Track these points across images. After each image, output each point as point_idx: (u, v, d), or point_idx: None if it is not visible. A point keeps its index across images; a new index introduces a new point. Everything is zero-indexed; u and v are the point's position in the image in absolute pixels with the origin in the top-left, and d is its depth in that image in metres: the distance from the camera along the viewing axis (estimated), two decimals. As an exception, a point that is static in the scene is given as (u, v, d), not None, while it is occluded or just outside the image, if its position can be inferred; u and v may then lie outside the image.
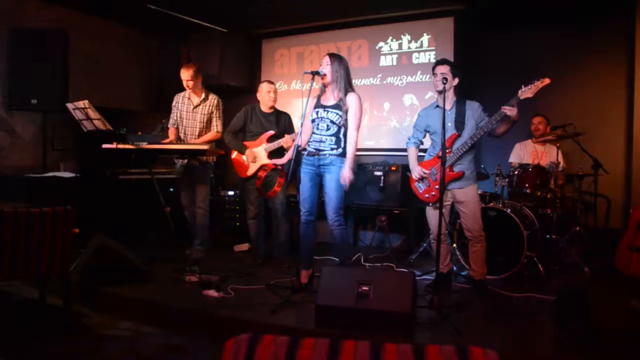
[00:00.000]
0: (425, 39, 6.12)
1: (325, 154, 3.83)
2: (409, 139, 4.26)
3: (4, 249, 3.20)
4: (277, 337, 1.27)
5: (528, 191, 4.75)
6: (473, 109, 3.93)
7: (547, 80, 3.66)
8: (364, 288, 3.11)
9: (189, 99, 4.97)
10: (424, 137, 4.21)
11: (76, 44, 5.65)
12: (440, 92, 3.87)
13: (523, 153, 5.29)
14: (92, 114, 4.60)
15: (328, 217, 3.83)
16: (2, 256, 3.21)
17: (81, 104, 4.63)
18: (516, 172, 4.78)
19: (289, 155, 4.49)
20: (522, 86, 3.72)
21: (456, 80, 3.96)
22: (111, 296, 4.01)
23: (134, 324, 3.73)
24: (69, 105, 4.78)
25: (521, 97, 3.71)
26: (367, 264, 4.98)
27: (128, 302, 3.91)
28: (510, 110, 3.68)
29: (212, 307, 3.62)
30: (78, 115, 4.73)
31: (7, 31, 5.35)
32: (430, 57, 6.06)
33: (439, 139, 3.87)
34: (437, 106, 4.02)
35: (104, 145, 4.39)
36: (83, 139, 5.27)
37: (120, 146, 4.34)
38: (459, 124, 3.91)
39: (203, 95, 4.97)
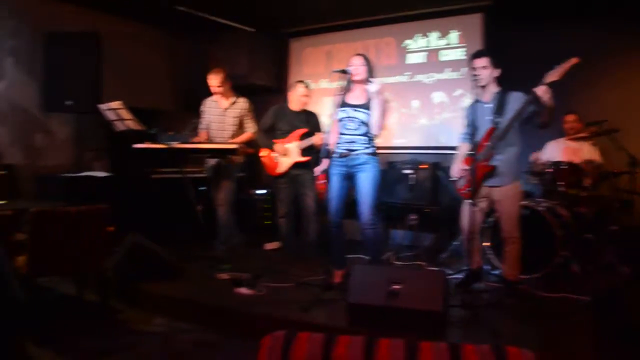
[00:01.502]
0: (454, 35, 6.06)
1: (358, 154, 3.83)
2: (461, 135, 4.19)
3: (44, 246, 3.29)
4: (313, 334, 1.28)
5: (562, 189, 4.66)
6: (517, 100, 3.71)
7: (574, 60, 3.43)
8: (395, 286, 3.10)
9: (217, 102, 5.01)
10: (474, 132, 4.09)
11: (109, 47, 5.75)
12: (482, 86, 3.78)
13: (555, 151, 5.19)
14: (125, 114, 4.69)
15: (362, 216, 3.82)
16: (42, 253, 3.29)
17: (114, 104, 4.72)
18: (549, 171, 4.69)
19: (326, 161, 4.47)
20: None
21: (497, 72, 3.81)
22: (145, 293, 4.08)
23: (168, 320, 3.79)
24: (102, 106, 4.88)
25: (548, 81, 3.49)
26: (397, 263, 4.96)
27: (162, 298, 3.98)
28: (540, 90, 3.48)
29: (243, 305, 3.66)
30: (111, 115, 4.83)
31: (44, 36, 5.47)
32: (459, 53, 6.01)
33: (479, 133, 3.82)
34: (477, 100, 3.93)
35: (136, 145, 4.46)
36: (116, 139, 5.37)
37: (152, 146, 4.41)
38: (498, 116, 3.74)
39: (232, 99, 4.98)
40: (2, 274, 2.55)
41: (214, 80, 4.87)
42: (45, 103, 5.54)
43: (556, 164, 4.72)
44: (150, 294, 4.05)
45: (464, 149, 4.05)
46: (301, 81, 5.17)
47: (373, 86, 3.78)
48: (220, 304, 3.72)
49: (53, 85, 5.46)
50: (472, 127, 3.96)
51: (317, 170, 4.57)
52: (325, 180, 4.73)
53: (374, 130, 3.82)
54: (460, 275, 4.34)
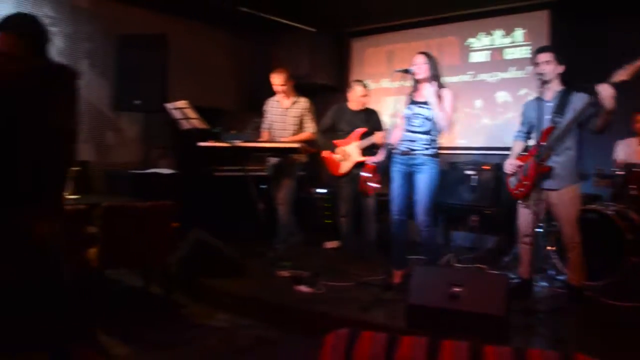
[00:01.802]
0: (519, 33, 5.90)
1: (418, 154, 3.80)
2: (515, 133, 4.08)
3: (113, 240, 3.43)
4: (376, 334, 1.28)
5: (635, 193, 4.45)
6: (580, 100, 3.54)
7: None
8: (456, 289, 3.06)
9: (279, 102, 5.08)
10: (529, 130, 3.95)
11: (175, 48, 5.93)
12: (545, 82, 3.65)
13: (626, 152, 4.95)
14: (190, 113, 4.83)
15: (417, 217, 3.80)
16: (110, 246, 3.44)
17: (180, 104, 4.87)
18: (620, 173, 4.50)
19: (382, 153, 4.47)
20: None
21: (561, 68, 3.66)
22: (208, 288, 4.19)
23: (230, 315, 3.88)
24: (169, 106, 5.04)
25: (616, 80, 3.25)
26: (458, 265, 4.89)
27: (224, 294, 4.07)
28: (603, 88, 3.26)
29: (303, 302, 3.70)
30: (177, 114, 4.98)
31: (116, 38, 5.72)
32: (524, 52, 5.84)
33: (537, 132, 3.70)
34: (539, 98, 3.81)
35: (200, 143, 4.59)
36: (181, 138, 5.54)
37: (216, 144, 4.53)
38: (558, 116, 3.60)
39: (293, 99, 5.04)
40: (56, 264, 2.67)
41: (277, 79, 4.94)
42: (116, 102, 5.78)
43: (628, 166, 4.51)
44: (212, 290, 4.15)
45: (518, 146, 3.96)
46: (359, 81, 5.17)
47: (444, 92, 3.77)
48: (280, 301, 3.77)
49: (123, 85, 5.68)
50: (529, 125, 3.87)
51: (370, 160, 4.57)
52: (371, 174, 4.72)
53: (442, 125, 3.78)
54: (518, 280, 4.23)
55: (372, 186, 4.74)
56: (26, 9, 5.05)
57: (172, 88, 5.77)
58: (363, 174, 4.78)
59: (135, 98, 5.57)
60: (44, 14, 5.24)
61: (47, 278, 2.57)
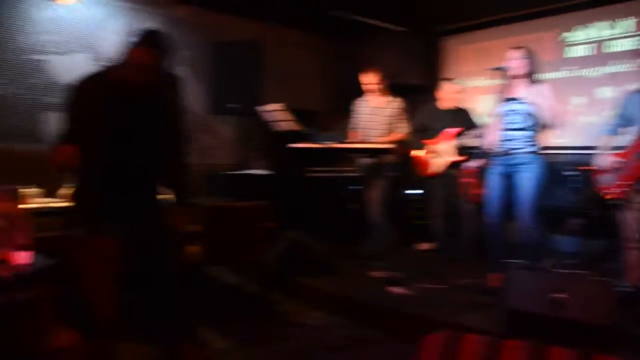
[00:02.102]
0: (627, 23, 5.52)
1: (519, 153, 3.66)
2: (605, 127, 3.86)
3: (212, 238, 3.58)
4: (478, 337, 1.24)
5: None
6: None
7: None
8: (559, 295, 2.92)
9: (369, 102, 5.06)
10: (626, 125, 3.71)
11: (268, 52, 6.10)
12: None
13: None
14: (284, 115, 4.94)
15: (521, 219, 3.65)
16: (210, 244, 3.59)
17: (274, 106, 4.99)
18: None
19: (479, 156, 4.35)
20: None
21: None
22: (302, 286, 4.25)
23: (322, 313, 3.91)
24: (263, 108, 5.19)
25: None
26: (560, 270, 4.65)
27: (317, 292, 4.12)
28: None
29: (396, 303, 3.67)
30: (271, 117, 5.12)
31: (213, 45, 5.98)
32: (633, 43, 5.45)
33: (636, 127, 3.46)
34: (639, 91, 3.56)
35: (294, 145, 4.68)
36: (275, 140, 5.68)
37: (309, 145, 4.60)
38: None
39: (387, 98, 5.01)
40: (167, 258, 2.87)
41: (371, 78, 4.93)
42: (213, 107, 6.04)
43: None
44: (306, 288, 4.22)
45: (609, 141, 3.73)
46: (449, 79, 5.06)
47: (542, 88, 3.62)
48: (373, 301, 3.76)
49: (220, 90, 5.92)
50: (627, 120, 3.61)
51: (468, 165, 4.44)
52: (472, 178, 4.59)
53: (554, 123, 3.63)
54: (627, 289, 3.95)
55: (475, 193, 4.62)
56: (135, 21, 5.39)
57: (265, 91, 5.93)
58: (465, 179, 4.69)
59: (231, 102, 5.78)
60: (150, 25, 5.56)
61: (164, 268, 2.82)
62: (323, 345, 3.41)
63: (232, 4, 6.01)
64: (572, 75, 5.89)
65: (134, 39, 2.58)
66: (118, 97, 2.61)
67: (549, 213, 5.48)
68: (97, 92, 2.61)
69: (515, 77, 3.70)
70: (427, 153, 4.93)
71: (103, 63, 2.82)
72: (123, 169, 2.66)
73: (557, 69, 5.98)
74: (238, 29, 6.31)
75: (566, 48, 5.93)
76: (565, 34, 5.93)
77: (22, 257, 1.61)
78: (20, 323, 1.79)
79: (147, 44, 2.57)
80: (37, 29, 4.96)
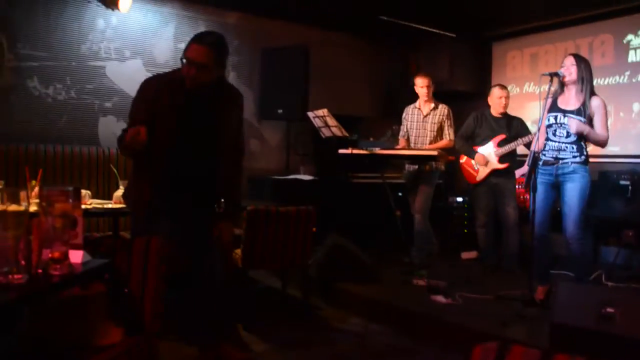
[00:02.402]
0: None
1: (566, 162, 3.57)
2: None
3: (255, 241, 3.63)
4: (529, 349, 1.22)
5: None
6: None
7: None
8: (609, 310, 2.82)
9: (419, 109, 5.05)
10: None
11: (315, 58, 6.15)
12: None
13: None
14: (330, 121, 4.97)
15: (567, 229, 3.56)
16: (253, 248, 3.64)
17: (320, 112, 5.03)
18: None
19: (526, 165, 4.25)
20: None
21: None
22: (343, 292, 4.27)
23: (363, 320, 3.92)
24: (310, 114, 5.23)
25: None
26: (609, 283, 4.50)
27: (358, 299, 4.13)
28: None
29: (439, 313, 3.64)
30: (317, 122, 5.15)
31: (259, 51, 6.07)
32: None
33: None
34: None
35: (341, 151, 4.70)
36: (321, 145, 5.72)
37: (355, 151, 4.62)
38: None
39: (433, 105, 5.00)
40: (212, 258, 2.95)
41: (422, 81, 4.94)
42: (260, 112, 6.13)
43: None
44: (347, 294, 4.23)
45: None
46: (499, 85, 4.98)
47: (595, 101, 3.52)
48: (415, 309, 3.74)
49: (267, 95, 6.01)
50: None
51: (518, 172, 4.36)
52: (518, 187, 4.49)
53: (599, 144, 3.55)
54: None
55: (523, 202, 4.54)
56: (185, 27, 5.54)
57: (312, 97, 5.98)
58: (512, 188, 4.62)
59: (278, 107, 5.86)
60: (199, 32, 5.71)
61: (208, 269, 2.90)
62: (363, 352, 3.42)
63: (281, 9, 6.09)
64: (634, 80, 5.66)
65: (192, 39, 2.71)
66: (178, 96, 2.70)
67: (600, 224, 5.33)
68: (160, 90, 2.71)
69: (568, 83, 3.61)
70: (475, 159, 4.86)
71: (155, 68, 2.93)
72: (180, 167, 2.74)
73: (617, 74, 5.78)
74: (286, 34, 6.39)
75: (631, 51, 5.69)
76: (629, 37, 5.70)
77: (76, 256, 1.68)
78: (72, 319, 1.87)
79: (201, 41, 2.67)
80: (97, 36, 5.16)
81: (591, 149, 3.75)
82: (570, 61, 3.60)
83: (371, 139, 5.66)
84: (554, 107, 3.67)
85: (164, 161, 2.70)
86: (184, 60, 2.65)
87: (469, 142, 4.96)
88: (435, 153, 4.59)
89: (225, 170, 2.91)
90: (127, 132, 2.66)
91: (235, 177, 2.99)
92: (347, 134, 4.97)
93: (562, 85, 3.66)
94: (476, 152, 4.85)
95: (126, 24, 5.31)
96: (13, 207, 1.45)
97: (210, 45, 2.67)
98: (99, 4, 4.70)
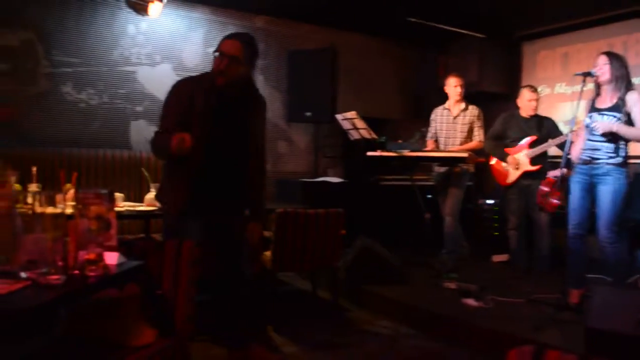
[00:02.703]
0: None
1: (600, 163, 3.49)
2: None
3: (285, 244, 3.64)
4: (565, 354, 1.20)
5: None
6: None
7: None
8: (645, 314, 2.75)
9: (448, 110, 5.01)
10: None
11: (343, 60, 6.16)
12: None
13: None
14: (359, 123, 4.96)
15: (599, 232, 3.48)
16: (282, 250, 3.65)
17: (349, 114, 5.02)
18: None
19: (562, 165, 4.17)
20: None
21: None
22: (372, 294, 4.26)
23: (393, 323, 3.90)
24: (338, 116, 5.22)
25: None
26: (645, 287, 4.39)
27: (387, 301, 4.11)
28: None
29: (470, 316, 3.59)
30: (346, 125, 5.14)
31: (287, 54, 6.11)
32: None
33: None
34: None
35: (369, 153, 4.69)
36: (349, 147, 5.71)
37: (384, 154, 4.60)
38: None
39: (463, 106, 4.96)
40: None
41: (456, 81, 4.92)
42: (289, 114, 6.16)
43: None
44: (377, 296, 4.21)
45: None
46: (530, 86, 4.90)
47: (631, 95, 3.43)
48: (445, 313, 3.70)
49: (295, 98, 6.04)
50: None
51: (550, 174, 4.27)
52: (550, 189, 4.39)
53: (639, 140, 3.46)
54: None
55: (551, 202, 4.45)
56: (214, 31, 5.61)
57: (340, 99, 5.98)
58: (542, 187, 4.54)
59: (306, 110, 5.87)
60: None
61: (238, 272, 2.94)
62: (393, 355, 3.40)
63: (308, 12, 6.11)
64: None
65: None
66: (211, 97, 2.74)
67: (638, 227, 5.19)
68: (194, 91, 2.74)
69: (602, 83, 3.53)
70: (506, 161, 4.79)
71: (185, 72, 2.97)
72: (214, 169, 2.76)
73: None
74: (314, 36, 6.42)
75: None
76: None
77: (111, 258, 1.71)
78: (107, 320, 1.90)
79: (235, 37, 2.78)
80: (128, 42, 5.26)
81: (632, 148, 3.65)
82: (602, 60, 3.52)
83: (399, 141, 5.62)
84: (591, 107, 3.61)
85: (199, 163, 2.72)
86: (216, 54, 2.71)
87: (498, 143, 4.89)
88: (464, 155, 4.55)
89: (252, 172, 2.95)
90: (160, 135, 2.70)
91: (261, 179, 3.02)
92: (375, 136, 4.95)
93: (597, 85, 3.58)
94: (507, 154, 4.78)
95: (156, 29, 5.40)
96: (50, 210, 1.48)
97: (244, 41, 2.76)
98: (129, 10, 4.79)
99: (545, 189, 4.41)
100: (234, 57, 2.68)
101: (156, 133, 2.77)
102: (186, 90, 2.76)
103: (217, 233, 2.86)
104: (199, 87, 2.76)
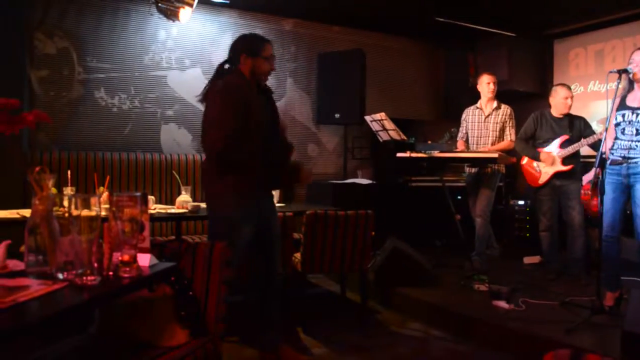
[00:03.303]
0: None
1: (636, 162, 3.41)
2: None
3: (315, 245, 3.65)
4: (604, 358, 1.17)
5: None
6: None
7: None
8: (684, 318, 2.68)
9: (480, 109, 4.97)
10: None
11: (371, 61, 6.16)
12: None
13: None
14: (388, 124, 4.95)
15: (638, 233, 3.40)
16: (312, 252, 3.67)
17: (378, 116, 5.01)
18: None
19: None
20: None
21: None
22: (402, 296, 4.24)
23: (422, 325, 3.89)
24: (367, 118, 5.22)
25: None
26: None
27: (417, 303, 4.09)
28: None
29: (501, 319, 3.55)
30: (375, 126, 5.14)
31: (316, 56, 6.14)
32: None
33: None
34: None
35: (399, 154, 4.68)
36: (378, 149, 5.70)
37: (414, 155, 4.58)
38: None
39: (495, 105, 4.91)
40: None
41: (489, 78, 4.91)
42: (318, 116, 6.18)
43: None
44: (407, 298, 4.20)
45: None
46: (562, 84, 4.81)
47: None
48: (476, 315, 3.66)
49: (324, 100, 6.06)
50: None
51: (585, 178, 4.18)
52: (586, 189, 4.32)
53: None
54: None
55: (590, 204, 4.37)
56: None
57: (369, 100, 5.98)
58: (577, 190, 4.46)
59: (335, 111, 5.89)
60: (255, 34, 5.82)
61: (272, 273, 3.02)
62: (423, 357, 3.38)
63: (336, 14, 6.12)
64: None
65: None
66: (255, 94, 2.89)
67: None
68: (245, 90, 2.84)
69: (637, 81, 3.45)
70: (537, 162, 4.71)
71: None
72: (266, 162, 2.84)
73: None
74: (342, 38, 6.43)
75: None
76: None
77: (143, 259, 1.74)
78: (140, 320, 1.94)
79: (268, 40, 3.03)
80: (158, 47, 5.35)
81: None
82: (639, 56, 3.44)
83: (429, 142, 5.60)
84: (622, 105, 3.52)
85: (259, 159, 2.81)
86: (262, 58, 2.91)
87: (529, 143, 4.82)
88: (495, 155, 4.50)
89: (280, 164, 3.01)
90: (227, 143, 2.69)
91: (287, 168, 3.11)
92: (405, 137, 4.93)
93: (632, 82, 3.50)
94: (539, 153, 4.70)
95: (186, 34, 5.48)
96: (86, 213, 1.52)
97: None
98: (160, 15, 4.86)
99: (586, 194, 4.33)
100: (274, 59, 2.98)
101: (226, 144, 2.70)
102: (242, 94, 2.80)
103: (259, 231, 2.93)
104: (250, 91, 2.85)
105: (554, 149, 4.64)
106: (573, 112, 4.77)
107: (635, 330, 2.79)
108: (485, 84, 4.91)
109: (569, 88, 4.71)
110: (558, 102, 4.67)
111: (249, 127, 2.74)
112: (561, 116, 4.70)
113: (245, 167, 2.78)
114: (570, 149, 4.54)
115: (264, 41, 2.97)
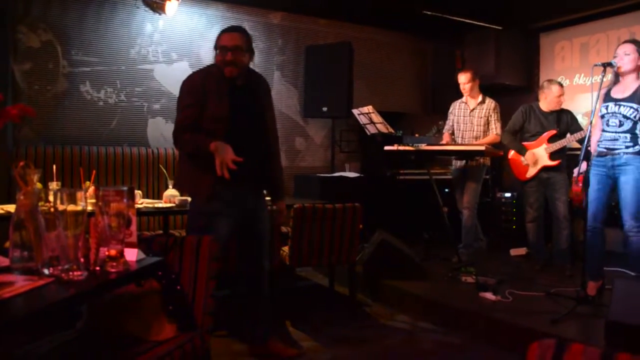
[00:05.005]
0: None
1: (619, 154, 3.45)
2: None
3: (303, 239, 3.66)
4: (589, 348, 1.18)
5: None
6: None
7: None
8: (667, 307, 2.72)
9: (465, 103, 5.00)
10: None
11: (359, 55, 6.15)
12: None
13: None
14: (375, 118, 4.96)
15: (624, 222, 3.44)
16: (300, 245, 3.67)
17: (365, 109, 5.02)
18: None
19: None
20: None
21: None
22: (390, 289, 4.26)
23: (410, 317, 3.91)
24: (355, 111, 5.22)
25: None
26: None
27: (406, 296, 4.11)
28: None
29: (488, 310, 3.58)
30: (362, 119, 5.15)
31: (303, 49, 6.12)
32: None
33: None
34: None
35: (387, 147, 4.68)
36: (366, 142, 5.70)
37: (401, 148, 4.59)
38: None
39: (480, 99, 4.94)
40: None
41: (462, 78, 4.96)
42: (305, 110, 6.17)
43: None
44: (395, 291, 4.22)
45: None
46: (551, 80, 4.83)
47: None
48: (463, 307, 3.70)
49: (311, 93, 6.04)
50: None
51: (575, 171, 4.21)
52: (572, 181, 4.36)
53: None
54: None
55: (575, 196, 4.41)
56: (229, 28, 5.63)
57: (356, 94, 5.98)
58: (564, 182, 4.51)
59: (323, 105, 5.88)
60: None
61: (260, 267, 3.01)
62: (411, 349, 3.40)
63: (324, 7, 6.10)
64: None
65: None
66: (223, 85, 2.80)
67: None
68: (205, 79, 2.81)
69: (624, 73, 3.49)
70: (524, 156, 4.74)
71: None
72: (237, 154, 2.74)
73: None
74: (330, 31, 6.42)
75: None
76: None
77: (131, 254, 1.73)
78: (127, 315, 1.94)
79: (232, 30, 2.88)
80: (145, 40, 5.30)
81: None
82: (623, 50, 3.47)
83: (417, 135, 5.61)
84: (607, 98, 3.56)
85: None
86: (217, 50, 2.80)
87: (517, 137, 4.85)
88: (482, 148, 4.53)
89: (272, 154, 3.02)
90: (192, 136, 2.72)
91: (279, 159, 3.14)
92: (392, 131, 4.95)
93: (617, 75, 3.54)
94: (526, 149, 4.72)
95: (173, 27, 5.44)
96: (72, 207, 1.51)
97: (239, 30, 2.86)
98: (146, 9, 4.82)
99: (577, 186, 4.36)
100: (235, 47, 2.76)
101: (179, 127, 2.79)
102: (199, 79, 2.83)
103: (242, 224, 2.91)
104: (210, 76, 2.82)
105: (541, 144, 4.66)
106: (561, 106, 4.80)
107: (619, 320, 2.83)
108: (460, 85, 4.96)
109: (561, 85, 4.74)
110: (551, 100, 4.68)
111: (203, 119, 2.74)
112: (550, 110, 4.73)
113: (199, 160, 2.76)
114: (557, 145, 4.57)
115: (221, 32, 2.88)
